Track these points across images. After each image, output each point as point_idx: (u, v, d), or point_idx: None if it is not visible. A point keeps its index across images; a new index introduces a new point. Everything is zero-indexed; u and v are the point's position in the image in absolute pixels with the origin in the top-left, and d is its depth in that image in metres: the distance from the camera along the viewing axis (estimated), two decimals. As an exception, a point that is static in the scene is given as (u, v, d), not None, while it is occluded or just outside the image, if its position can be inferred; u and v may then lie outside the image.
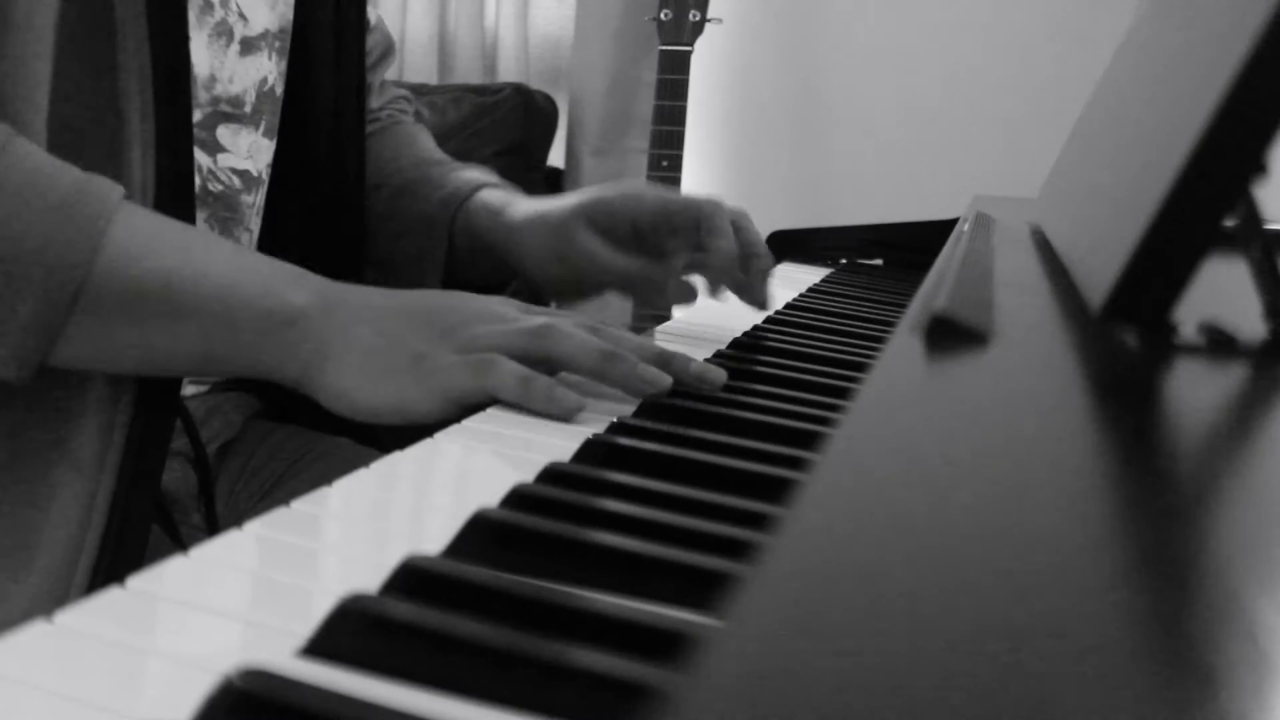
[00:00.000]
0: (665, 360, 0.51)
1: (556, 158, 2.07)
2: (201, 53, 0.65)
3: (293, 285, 0.52)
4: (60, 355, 0.50)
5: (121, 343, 0.50)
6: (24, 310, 0.48)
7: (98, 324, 0.49)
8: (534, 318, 0.51)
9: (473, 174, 0.79)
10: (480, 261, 0.76)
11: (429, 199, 0.78)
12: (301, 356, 0.51)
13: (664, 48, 1.76)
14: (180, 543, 0.68)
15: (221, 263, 0.52)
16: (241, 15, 0.68)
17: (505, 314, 0.52)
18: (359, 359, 0.50)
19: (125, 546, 0.55)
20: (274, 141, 0.73)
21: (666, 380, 0.50)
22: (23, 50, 0.51)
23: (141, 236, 0.50)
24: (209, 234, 0.54)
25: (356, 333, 0.51)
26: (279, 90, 0.72)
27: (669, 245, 0.70)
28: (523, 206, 0.73)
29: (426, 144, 0.86)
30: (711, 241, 0.66)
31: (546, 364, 0.50)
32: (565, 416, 0.47)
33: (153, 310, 0.50)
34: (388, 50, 0.89)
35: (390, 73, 2.17)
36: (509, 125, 1.92)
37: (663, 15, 1.76)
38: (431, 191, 0.78)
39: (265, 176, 0.72)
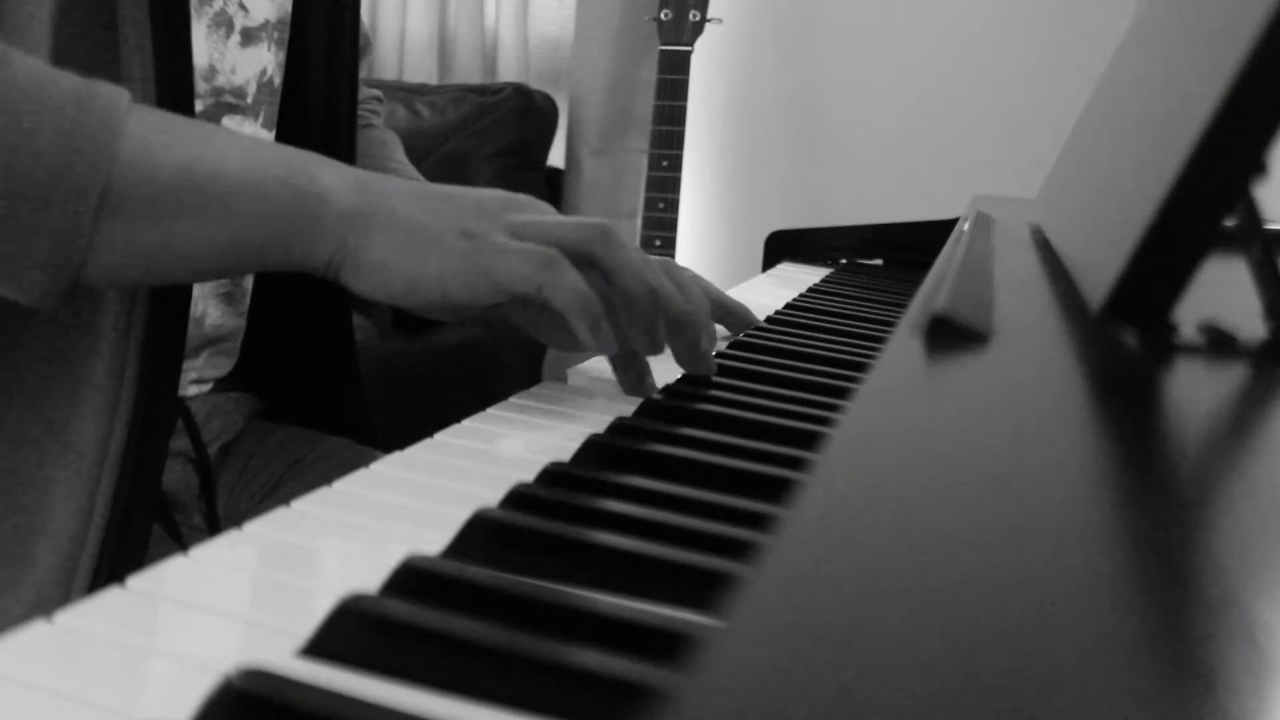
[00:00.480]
0: (687, 323, 0.49)
1: (556, 158, 2.07)
2: (200, 43, 0.65)
3: (319, 165, 0.49)
4: (91, 268, 0.47)
5: (152, 243, 0.47)
6: (48, 227, 0.44)
7: (125, 227, 0.46)
8: (592, 219, 0.49)
9: None
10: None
11: None
12: (336, 233, 0.47)
13: (664, 48, 1.76)
14: (182, 543, 0.68)
15: (241, 150, 0.49)
16: (242, 5, 0.67)
17: (551, 211, 0.50)
18: (400, 229, 0.47)
19: (126, 545, 0.55)
20: (273, 133, 0.73)
21: (661, 348, 0.49)
22: (23, 47, 0.51)
23: (157, 131, 0.47)
24: (221, 128, 0.51)
25: (396, 205, 0.47)
26: (277, 81, 0.72)
27: None
28: None
29: (397, 155, 0.85)
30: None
31: (592, 269, 0.47)
32: (604, 351, 0.46)
33: (178, 203, 0.47)
34: (365, 45, 0.89)
35: (390, 73, 2.17)
36: (509, 125, 1.92)
37: (663, 15, 1.76)
38: None
39: None
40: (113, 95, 0.46)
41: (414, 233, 0.47)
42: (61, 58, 0.51)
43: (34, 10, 0.51)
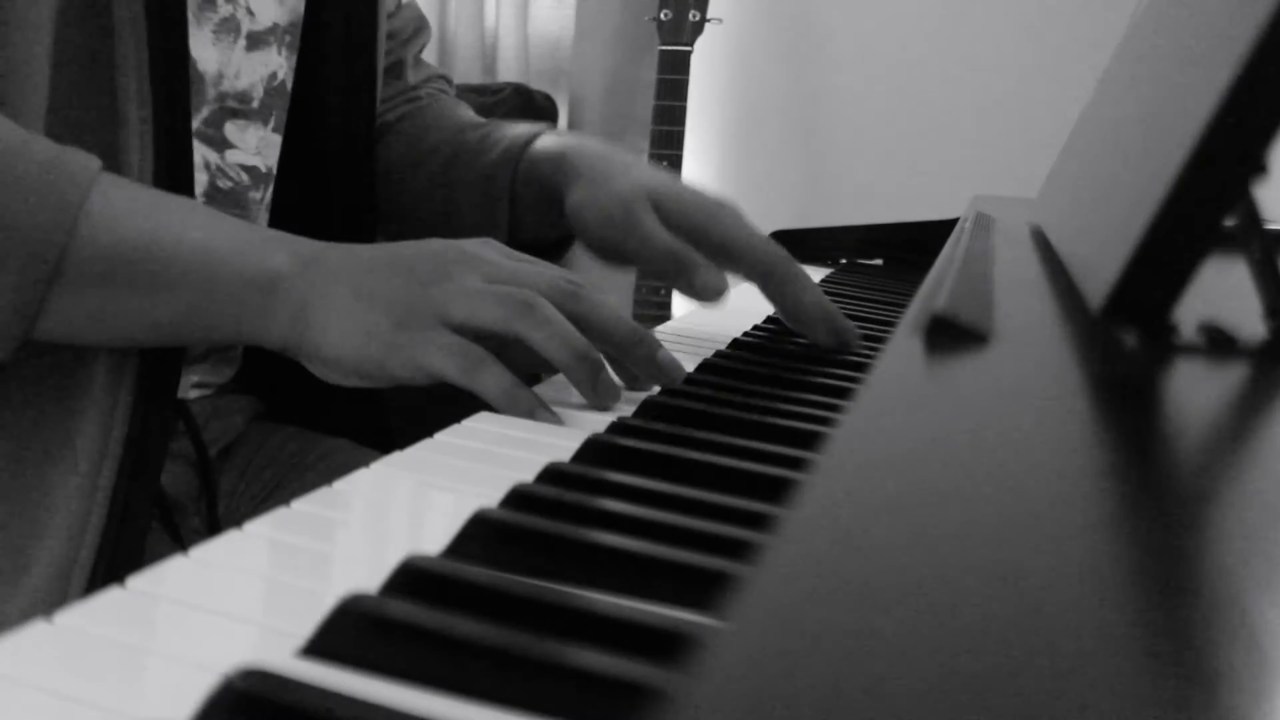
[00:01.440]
0: (633, 344, 0.50)
1: (556, 158, 2.07)
2: (208, 50, 0.65)
3: (269, 247, 0.51)
4: (41, 329, 0.49)
5: (102, 312, 0.50)
6: (4, 284, 0.47)
7: (77, 295, 0.48)
8: (517, 286, 0.49)
9: (523, 126, 0.77)
10: (544, 213, 0.73)
11: (487, 154, 0.75)
12: (283, 320, 0.50)
13: (664, 48, 1.76)
14: (182, 545, 0.68)
15: (198, 228, 0.50)
16: (249, 10, 0.67)
17: (487, 266, 0.50)
18: (338, 321, 0.49)
19: (125, 546, 0.55)
20: (281, 136, 0.72)
21: (615, 394, 0.50)
22: (21, 51, 0.51)
23: (118, 205, 0.49)
24: (186, 200, 0.53)
25: (334, 292, 0.49)
26: (289, 85, 0.72)
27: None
28: (585, 157, 0.69)
29: (467, 113, 0.84)
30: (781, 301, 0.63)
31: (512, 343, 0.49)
32: (535, 417, 0.47)
33: (131, 278, 0.49)
34: (420, 27, 0.88)
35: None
36: (509, 125, 1.92)
37: (663, 15, 1.76)
38: (488, 148, 0.76)
39: (274, 172, 0.72)
40: (80, 166, 0.48)
41: (349, 322, 0.49)
42: (60, 59, 0.51)
43: (31, 13, 0.51)
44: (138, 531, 0.56)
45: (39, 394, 0.54)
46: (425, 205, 0.79)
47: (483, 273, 0.49)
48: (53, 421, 0.54)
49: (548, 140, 0.73)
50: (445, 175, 0.78)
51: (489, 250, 0.51)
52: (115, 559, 0.54)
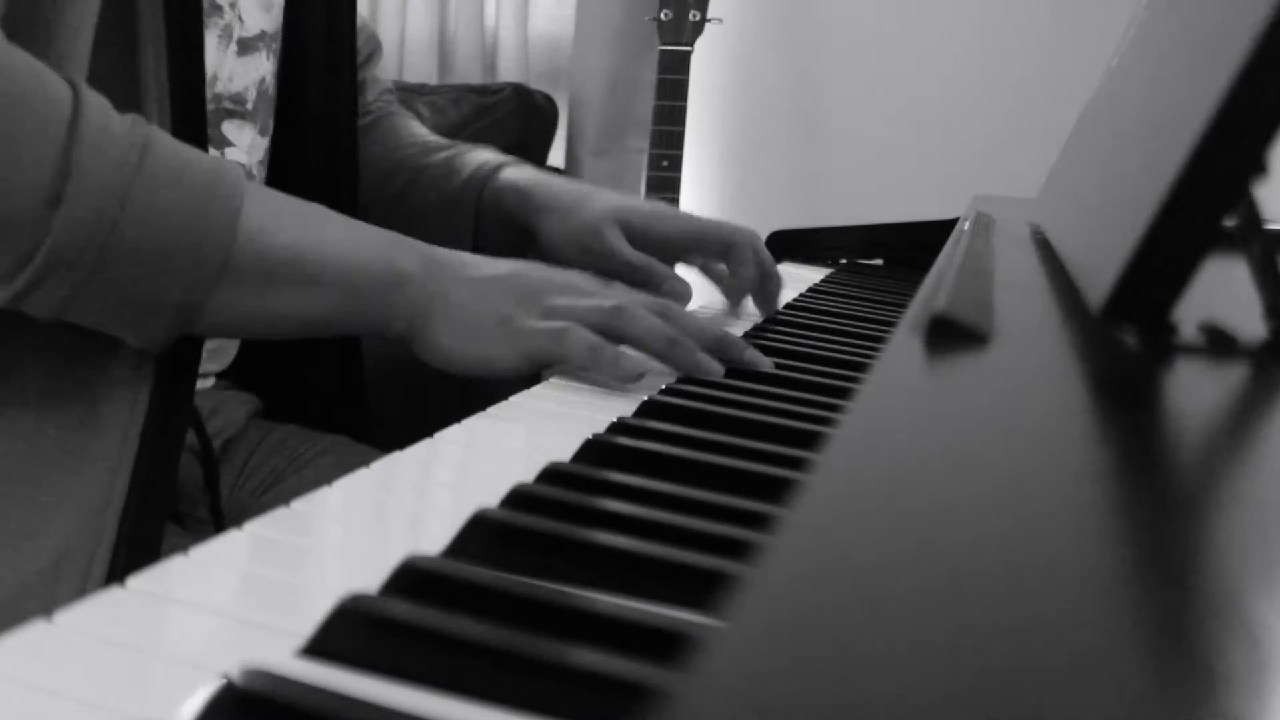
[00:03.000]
0: (724, 345, 0.57)
1: (556, 158, 2.07)
2: (209, 54, 0.66)
3: (401, 250, 0.57)
4: (200, 326, 0.53)
5: (253, 311, 0.54)
6: (175, 289, 0.50)
7: (234, 296, 0.52)
8: (610, 296, 0.57)
9: (486, 154, 0.83)
10: (504, 237, 0.80)
11: (451, 179, 0.81)
12: (406, 315, 0.56)
13: (664, 48, 1.76)
14: (185, 528, 0.69)
15: (337, 233, 0.56)
16: (239, 17, 0.69)
17: (586, 288, 0.58)
18: (455, 319, 0.56)
19: (143, 535, 0.55)
20: (268, 140, 0.73)
21: (718, 369, 0.55)
22: (68, 59, 0.52)
23: (269, 212, 0.54)
24: (319, 206, 0.58)
25: (454, 295, 0.56)
26: (272, 90, 0.73)
27: (689, 259, 0.78)
28: (552, 192, 0.78)
29: (421, 129, 0.89)
30: (739, 270, 0.74)
31: (618, 339, 0.55)
32: (627, 379, 0.53)
33: (283, 279, 0.54)
34: (375, 49, 0.91)
35: (390, 73, 2.17)
36: (509, 125, 1.92)
37: (663, 15, 1.76)
38: (451, 175, 0.81)
39: (258, 173, 0.73)
40: (236, 177, 0.52)
41: (466, 321, 0.56)
42: (93, 64, 0.52)
43: (78, 24, 0.52)
44: (157, 520, 0.57)
45: (60, 386, 0.54)
46: (389, 224, 0.82)
47: (581, 290, 0.57)
48: (74, 412, 0.55)
49: (513, 173, 0.81)
50: (406, 196, 0.83)
51: (588, 282, 0.59)
52: (134, 542, 0.55)
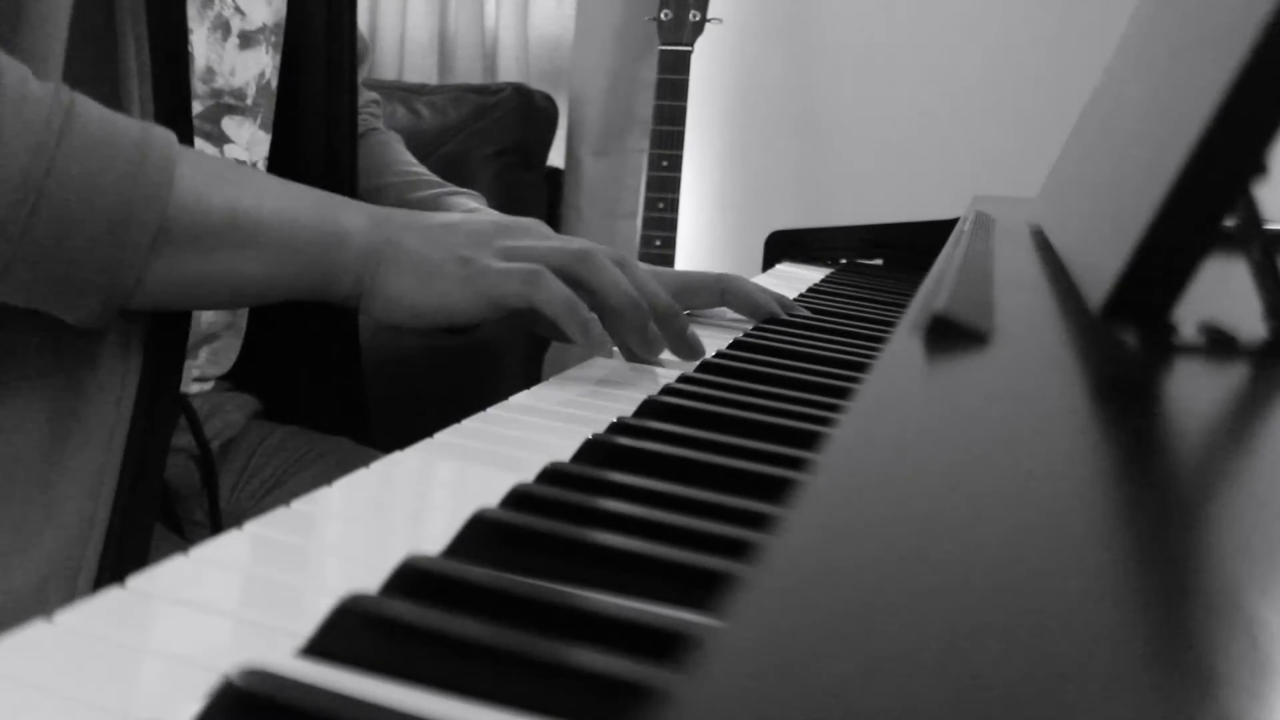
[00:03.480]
0: (669, 315, 0.56)
1: (556, 158, 2.07)
2: (200, 46, 0.65)
3: (343, 207, 0.55)
4: (140, 296, 0.51)
5: (193, 277, 0.52)
6: (108, 259, 0.48)
7: (171, 264, 0.51)
8: (574, 240, 0.55)
9: (468, 203, 0.79)
10: None
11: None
12: (355, 268, 0.54)
13: (664, 48, 1.76)
14: (183, 536, 0.69)
15: (275, 194, 0.54)
16: (238, 10, 0.68)
17: (546, 232, 0.56)
18: (407, 263, 0.54)
19: (131, 540, 0.55)
20: (269, 135, 0.73)
21: (659, 350, 0.54)
22: (39, 50, 0.51)
23: (203, 175, 0.52)
24: (255, 170, 0.57)
25: (405, 241, 0.54)
26: (274, 84, 0.73)
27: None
28: None
29: (405, 155, 0.87)
30: (741, 306, 0.71)
31: (576, 285, 0.53)
32: (596, 349, 0.52)
33: (220, 241, 0.52)
34: (363, 51, 0.90)
35: (390, 73, 2.17)
36: (509, 125, 1.92)
37: (663, 15, 1.76)
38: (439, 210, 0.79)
39: (262, 168, 0.73)
40: (166, 140, 0.50)
41: (419, 265, 0.53)
42: (70, 56, 0.52)
43: (48, 12, 0.51)
44: (144, 525, 0.57)
45: (44, 389, 0.54)
46: None
47: (539, 234, 0.56)
48: (58, 417, 0.54)
49: None
50: None
51: (541, 225, 0.58)
52: (122, 553, 0.54)
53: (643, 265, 0.63)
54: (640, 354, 0.56)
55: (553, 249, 0.54)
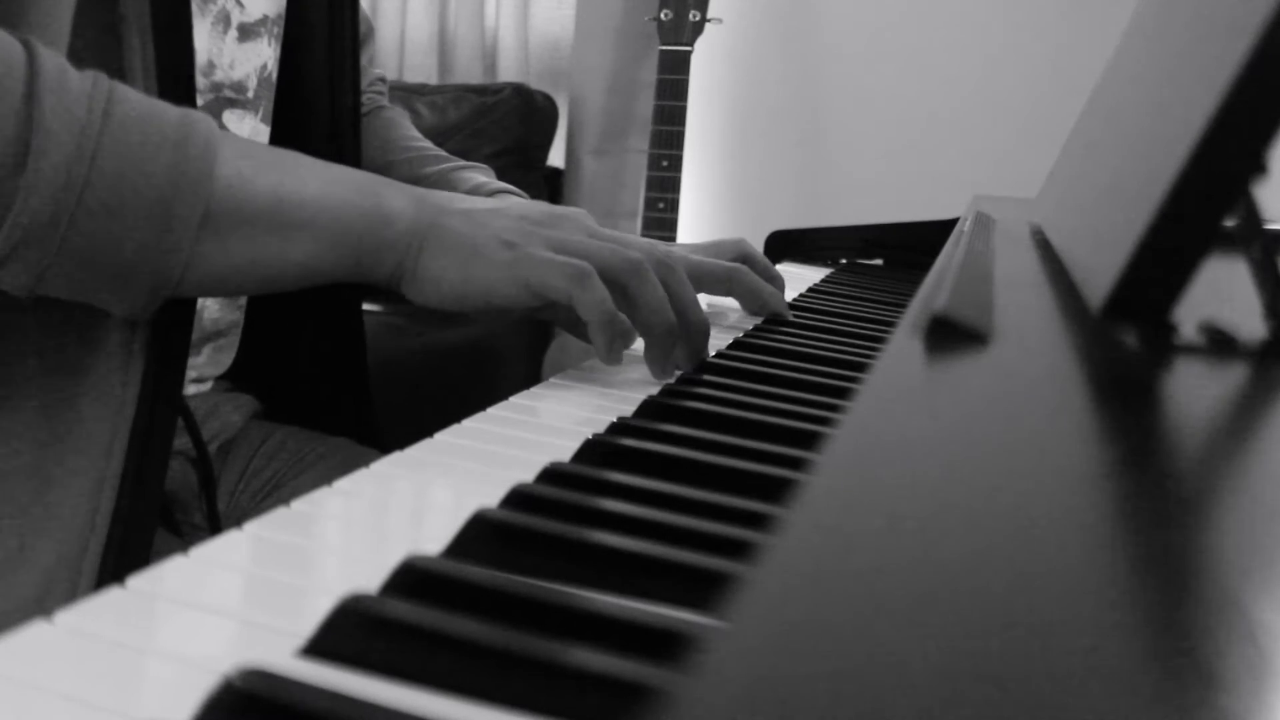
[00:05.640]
0: (698, 334, 0.55)
1: (556, 158, 2.07)
2: (201, 39, 0.65)
3: (387, 188, 0.55)
4: (189, 282, 0.51)
5: (238, 261, 0.51)
6: (155, 246, 0.48)
7: (217, 249, 0.50)
8: (631, 246, 0.54)
9: (481, 176, 0.80)
10: None
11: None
12: (398, 250, 0.53)
13: (664, 48, 1.76)
14: (181, 537, 0.68)
15: (317, 175, 0.54)
16: (238, 2, 0.68)
17: (591, 226, 0.55)
18: (449, 245, 0.53)
19: (130, 545, 0.55)
20: (269, 129, 0.73)
21: (673, 375, 0.54)
22: (43, 44, 0.51)
23: (245, 159, 0.51)
24: (297, 153, 0.55)
25: (449, 224, 0.53)
26: (274, 76, 0.73)
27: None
28: None
29: (413, 131, 0.87)
30: (749, 303, 0.71)
31: (619, 291, 0.53)
32: (608, 363, 0.52)
33: (266, 225, 0.51)
34: (368, 31, 0.90)
35: (390, 73, 2.17)
36: (509, 125, 1.92)
37: (663, 15, 1.76)
38: (450, 187, 0.79)
39: None
40: (208, 125, 0.50)
41: (463, 247, 0.53)
42: (74, 53, 0.52)
43: (55, 8, 0.51)
44: (144, 535, 0.56)
45: (43, 391, 0.54)
46: None
47: (588, 229, 0.55)
48: (58, 418, 0.54)
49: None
50: None
51: (589, 217, 0.56)
52: (123, 554, 0.54)
53: (672, 248, 0.62)
54: (652, 373, 0.55)
55: (606, 251, 0.53)
